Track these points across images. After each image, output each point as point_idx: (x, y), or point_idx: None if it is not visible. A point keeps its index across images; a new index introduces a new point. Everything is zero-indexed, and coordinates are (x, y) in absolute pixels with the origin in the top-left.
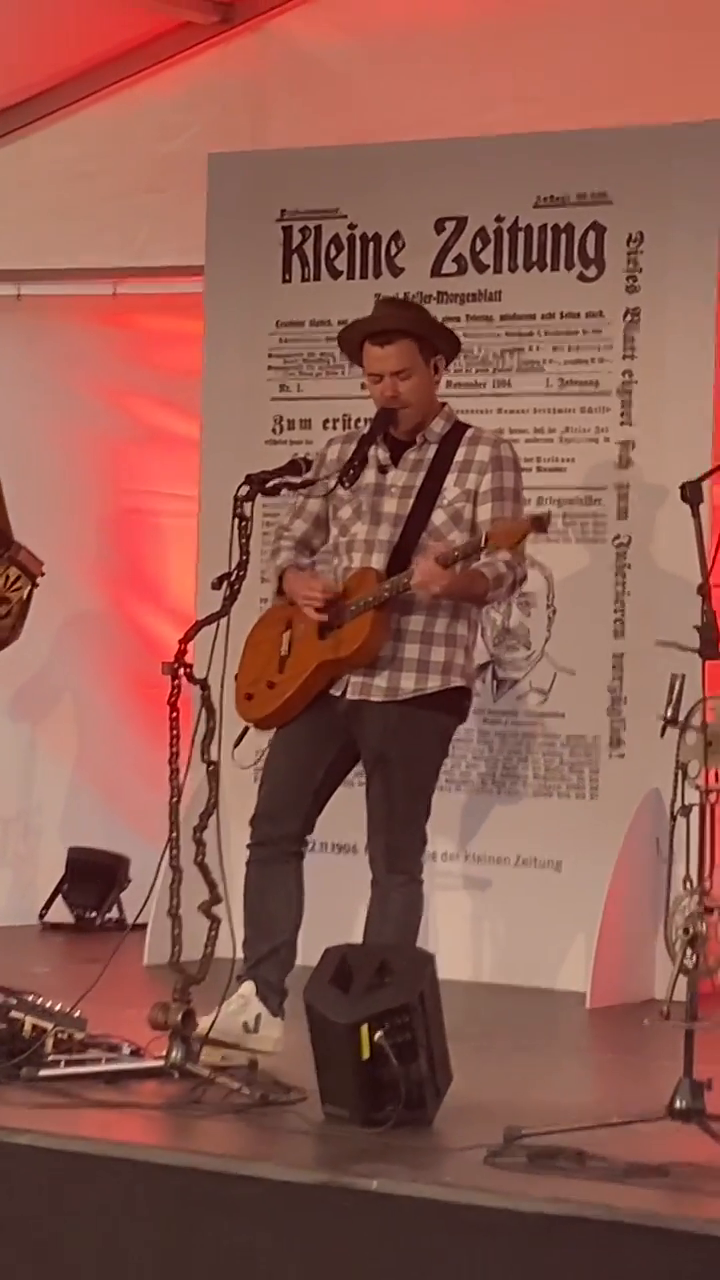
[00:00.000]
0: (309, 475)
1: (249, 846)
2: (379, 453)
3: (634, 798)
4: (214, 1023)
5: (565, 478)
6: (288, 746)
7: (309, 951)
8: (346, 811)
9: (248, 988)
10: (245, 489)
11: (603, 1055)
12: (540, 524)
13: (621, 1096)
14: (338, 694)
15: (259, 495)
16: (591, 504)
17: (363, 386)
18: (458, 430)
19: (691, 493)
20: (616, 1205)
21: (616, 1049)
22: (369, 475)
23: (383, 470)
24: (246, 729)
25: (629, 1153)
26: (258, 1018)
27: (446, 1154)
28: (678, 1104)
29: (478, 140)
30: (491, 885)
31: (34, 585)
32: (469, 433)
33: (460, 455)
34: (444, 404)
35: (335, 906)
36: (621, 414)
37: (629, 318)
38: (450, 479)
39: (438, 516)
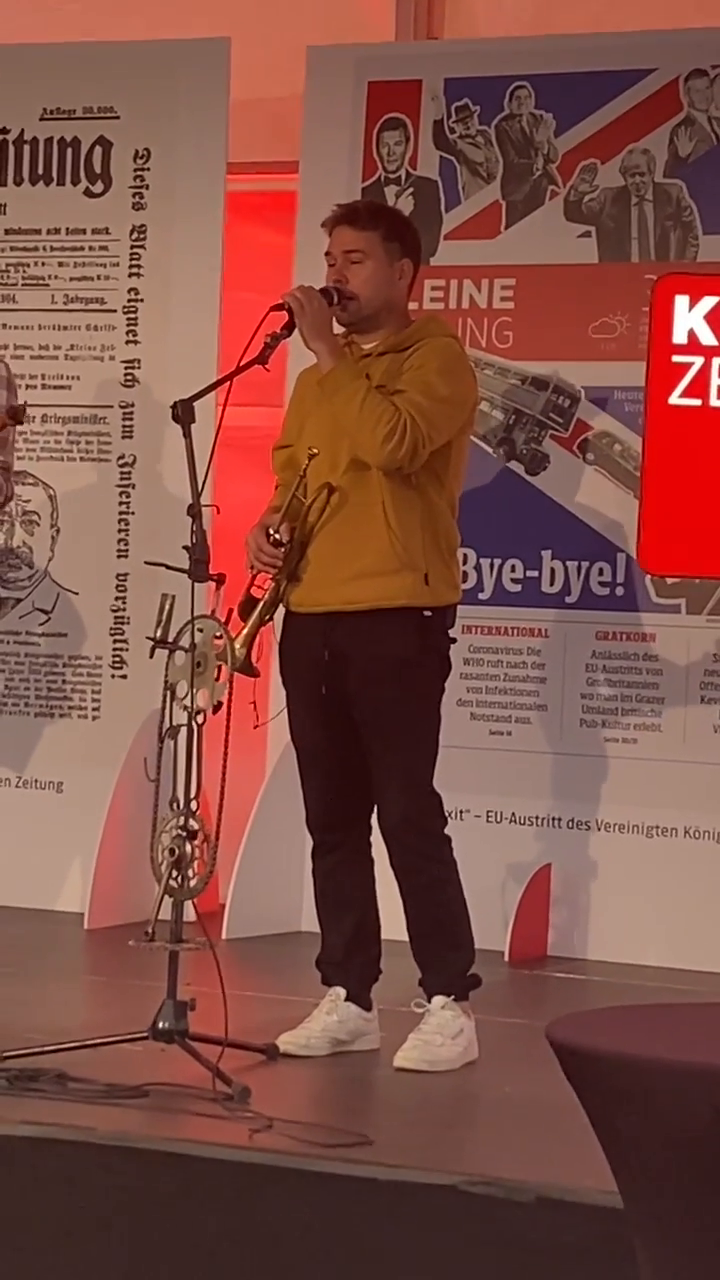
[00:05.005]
0: None
1: None
2: None
3: (136, 719)
4: None
5: (70, 395)
6: None
7: None
8: None
9: None
10: None
11: (95, 977)
12: (15, 415)
13: (109, 1018)
14: None
15: None
16: (96, 422)
17: None
18: None
19: (183, 411)
20: (95, 1127)
21: (109, 971)
22: None
23: None
24: None
25: (111, 1074)
26: None
27: None
28: (160, 1025)
29: None
30: None
31: None
32: None
33: None
34: None
35: None
36: (128, 332)
37: (135, 235)
38: None
39: None
